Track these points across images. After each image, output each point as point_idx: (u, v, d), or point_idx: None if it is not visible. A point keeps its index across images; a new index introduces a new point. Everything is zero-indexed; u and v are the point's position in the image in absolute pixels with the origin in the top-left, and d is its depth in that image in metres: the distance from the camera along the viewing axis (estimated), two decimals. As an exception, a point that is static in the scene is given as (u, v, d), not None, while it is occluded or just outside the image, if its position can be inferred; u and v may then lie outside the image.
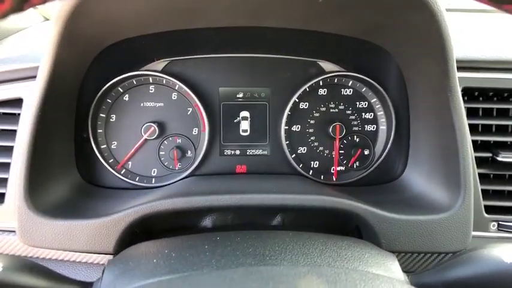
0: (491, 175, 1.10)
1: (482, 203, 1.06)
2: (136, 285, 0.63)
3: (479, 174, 1.08)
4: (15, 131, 0.96)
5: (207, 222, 1.08)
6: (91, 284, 0.70)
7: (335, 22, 1.03)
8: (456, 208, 0.94)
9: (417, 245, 0.97)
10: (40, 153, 0.93)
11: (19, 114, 0.97)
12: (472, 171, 0.95)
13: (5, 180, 0.98)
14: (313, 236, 0.80)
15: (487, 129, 1.11)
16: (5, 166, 0.98)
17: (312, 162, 1.23)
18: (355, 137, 1.23)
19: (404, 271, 0.73)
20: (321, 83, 1.20)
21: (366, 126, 1.23)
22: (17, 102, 0.96)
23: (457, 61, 0.90)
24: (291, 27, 1.08)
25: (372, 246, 0.79)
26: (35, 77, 0.89)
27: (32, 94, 0.89)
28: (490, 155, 1.06)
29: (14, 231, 0.98)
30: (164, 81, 1.16)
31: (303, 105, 1.22)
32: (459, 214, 0.94)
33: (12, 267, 0.61)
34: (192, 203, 0.97)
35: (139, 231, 0.98)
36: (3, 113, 0.99)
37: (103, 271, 0.70)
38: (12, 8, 0.27)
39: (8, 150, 0.96)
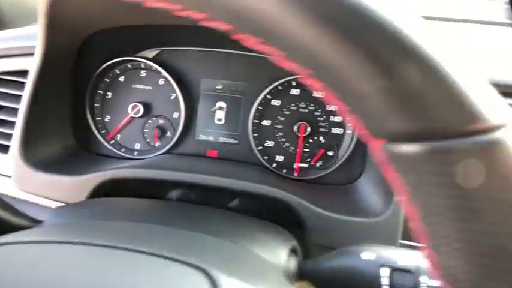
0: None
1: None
2: (65, 222, 0.80)
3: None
4: (21, 96, 1.17)
5: (172, 195, 1.23)
6: (41, 221, 0.88)
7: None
8: (386, 215, 1.01)
9: (344, 243, 1.04)
10: (37, 116, 1.13)
11: (25, 82, 1.18)
12: None
13: (10, 135, 1.20)
14: (230, 213, 0.91)
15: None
16: (12, 124, 1.19)
17: (277, 156, 1.33)
18: (321, 137, 1.30)
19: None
20: (293, 83, 1.29)
21: (332, 128, 1.30)
22: (24, 73, 1.17)
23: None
24: None
25: (277, 230, 0.88)
26: (37, 53, 1.09)
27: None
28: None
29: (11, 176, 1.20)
30: (154, 68, 1.31)
31: (275, 102, 1.31)
32: (388, 221, 1.01)
33: None
34: (156, 175, 1.13)
35: (113, 195, 1.15)
36: (13, 81, 1.21)
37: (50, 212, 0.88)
38: None
39: (15, 111, 1.18)
